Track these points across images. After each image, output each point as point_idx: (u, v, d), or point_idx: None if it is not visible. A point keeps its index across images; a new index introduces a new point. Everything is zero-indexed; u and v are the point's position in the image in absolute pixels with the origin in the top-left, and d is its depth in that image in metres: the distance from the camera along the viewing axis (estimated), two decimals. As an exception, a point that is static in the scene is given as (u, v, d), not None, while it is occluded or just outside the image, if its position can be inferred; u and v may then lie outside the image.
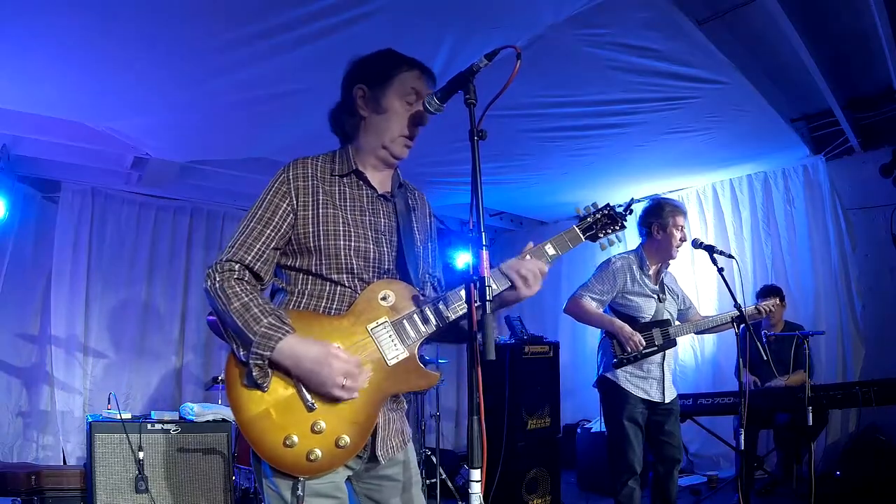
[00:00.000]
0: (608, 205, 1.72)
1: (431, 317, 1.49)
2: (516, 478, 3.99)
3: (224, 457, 3.63)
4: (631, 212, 1.80)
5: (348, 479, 1.50)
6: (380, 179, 1.62)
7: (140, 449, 3.41)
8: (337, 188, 1.54)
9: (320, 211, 1.49)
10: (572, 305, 3.22)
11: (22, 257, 4.64)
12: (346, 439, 1.38)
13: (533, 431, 4.14)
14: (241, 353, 1.38)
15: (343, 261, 1.48)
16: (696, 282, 5.43)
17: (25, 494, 3.55)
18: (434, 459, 4.26)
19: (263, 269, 1.47)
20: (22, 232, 4.63)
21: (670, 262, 3.23)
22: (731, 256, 3.13)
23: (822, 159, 4.89)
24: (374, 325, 1.46)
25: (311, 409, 1.37)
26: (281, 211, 1.48)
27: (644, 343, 3.04)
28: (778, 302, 3.48)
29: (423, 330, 1.48)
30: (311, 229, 1.48)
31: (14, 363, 4.58)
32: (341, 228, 1.49)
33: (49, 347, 4.59)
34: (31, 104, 3.54)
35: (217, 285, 1.41)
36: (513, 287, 1.50)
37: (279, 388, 1.38)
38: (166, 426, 3.54)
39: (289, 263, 1.52)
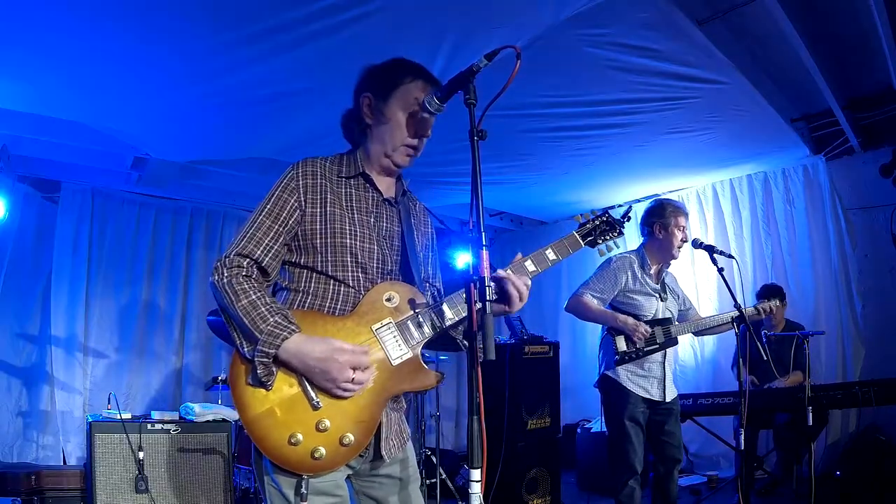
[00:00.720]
0: (606, 212, 1.76)
1: (435, 318, 1.50)
2: (516, 478, 3.99)
3: (224, 457, 3.63)
4: (629, 219, 1.85)
5: (347, 477, 1.50)
6: (385, 185, 1.64)
7: (140, 449, 3.41)
8: (344, 189, 1.56)
9: (327, 210, 1.51)
10: (574, 303, 3.23)
11: (22, 257, 4.64)
12: (351, 438, 1.39)
13: (533, 431, 4.14)
14: (247, 349, 1.38)
15: (348, 260, 1.49)
16: (696, 282, 5.44)
17: (25, 494, 3.55)
18: (434, 459, 4.26)
19: (272, 264, 1.48)
20: (22, 232, 4.63)
21: (671, 262, 3.24)
22: (731, 256, 3.14)
23: (822, 159, 4.89)
24: (378, 325, 1.47)
25: (316, 407, 1.38)
26: (289, 207, 1.49)
27: (650, 331, 3.06)
28: (778, 303, 3.47)
29: (427, 331, 1.50)
30: (317, 227, 1.49)
31: (14, 363, 4.57)
32: (347, 228, 1.51)
33: (49, 347, 4.59)
34: (31, 104, 3.54)
35: (225, 281, 1.41)
36: (505, 300, 1.49)
37: (284, 387, 1.39)
38: (166, 426, 3.54)
39: (293, 260, 1.53)
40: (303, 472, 1.37)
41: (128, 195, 5.12)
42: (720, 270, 3.02)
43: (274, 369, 1.37)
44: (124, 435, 3.40)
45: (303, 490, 1.36)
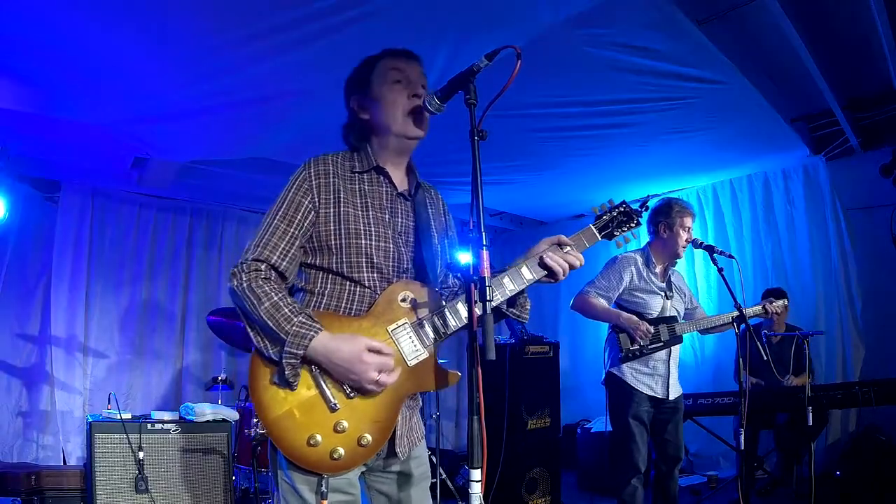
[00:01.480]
0: (624, 202, 1.73)
1: (450, 318, 1.50)
2: (516, 478, 3.99)
3: (224, 457, 3.63)
4: (647, 208, 1.81)
5: (360, 473, 1.51)
6: (399, 177, 1.63)
7: (140, 449, 3.41)
8: (357, 185, 1.55)
9: (341, 209, 1.50)
10: (579, 302, 3.27)
11: (22, 257, 4.64)
12: (368, 438, 1.41)
13: (533, 431, 4.14)
14: (272, 351, 1.39)
15: (364, 260, 1.49)
16: (696, 282, 5.44)
17: (25, 494, 3.55)
18: (434, 459, 4.26)
19: (289, 268, 1.48)
20: (22, 232, 4.63)
21: (679, 259, 3.26)
22: (731, 256, 3.14)
23: (822, 159, 4.89)
24: (394, 326, 1.47)
25: (334, 409, 1.40)
26: (304, 209, 1.49)
27: (652, 330, 3.08)
28: (787, 302, 3.46)
29: (442, 331, 1.49)
30: (332, 227, 1.49)
31: (14, 363, 4.57)
32: (362, 227, 1.50)
33: (49, 347, 4.59)
34: (31, 104, 3.53)
35: (245, 285, 1.41)
36: (550, 275, 1.55)
37: (302, 389, 1.40)
38: (166, 426, 3.54)
39: (308, 261, 1.52)
40: (322, 472, 1.38)
41: (128, 195, 5.12)
42: (720, 270, 3.03)
43: (300, 370, 1.39)
44: (124, 435, 3.40)
45: (323, 489, 1.37)
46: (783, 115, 4.25)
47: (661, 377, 3.12)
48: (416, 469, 1.57)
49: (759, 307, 3.23)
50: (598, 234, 1.67)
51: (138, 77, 3.12)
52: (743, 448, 3.00)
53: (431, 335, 1.49)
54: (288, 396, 1.39)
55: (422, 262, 1.58)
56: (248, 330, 1.44)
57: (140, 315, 5.12)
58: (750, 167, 5.24)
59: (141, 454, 3.40)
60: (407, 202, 1.62)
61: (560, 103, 3.72)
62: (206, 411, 3.69)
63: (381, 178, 1.59)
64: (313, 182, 1.50)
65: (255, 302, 1.39)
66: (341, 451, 1.38)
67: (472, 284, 1.29)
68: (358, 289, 1.49)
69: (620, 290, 3.21)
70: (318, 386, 1.40)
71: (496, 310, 1.57)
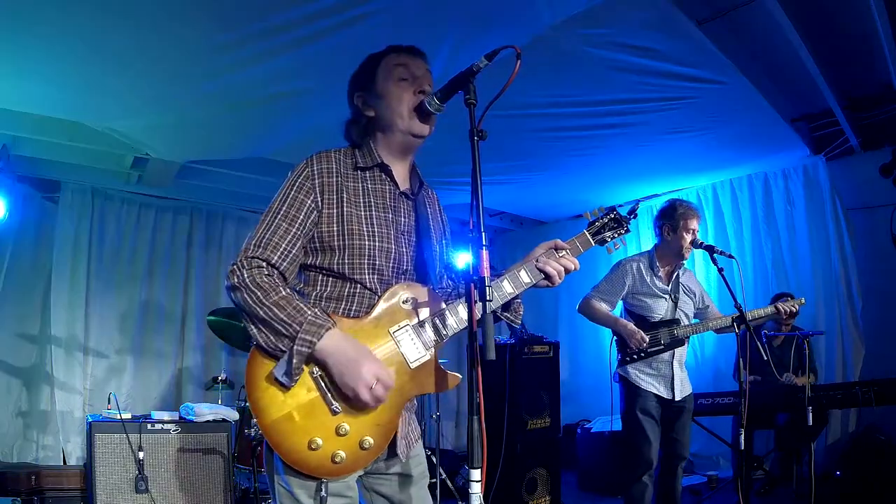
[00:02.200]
0: (614, 208, 1.75)
1: (451, 320, 1.49)
2: (516, 478, 3.99)
3: (224, 457, 3.63)
4: (635, 215, 1.83)
5: (358, 476, 1.50)
6: (402, 176, 1.62)
7: (140, 449, 3.41)
8: (360, 183, 1.53)
9: (345, 209, 1.48)
10: (584, 306, 3.35)
11: (22, 257, 4.64)
12: (370, 441, 1.40)
13: (533, 431, 4.14)
14: (282, 342, 1.34)
15: (366, 261, 1.47)
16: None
17: (25, 494, 3.56)
18: (434, 459, 4.26)
19: (290, 269, 1.45)
20: (22, 232, 4.63)
21: (683, 262, 3.26)
22: (731, 256, 3.14)
23: (822, 159, 4.89)
24: (395, 328, 1.46)
25: (335, 412, 1.38)
26: (306, 208, 1.46)
27: (647, 340, 3.11)
28: (802, 301, 3.43)
29: (444, 333, 1.49)
30: (335, 228, 1.47)
31: (14, 363, 4.58)
32: (365, 228, 1.48)
33: (49, 347, 4.59)
34: (31, 104, 3.54)
35: (249, 280, 1.37)
36: (547, 279, 1.57)
37: (302, 392, 1.37)
38: (166, 426, 3.54)
39: (309, 262, 1.50)
40: (322, 475, 1.36)
41: (128, 195, 5.12)
42: (720, 270, 3.03)
43: (303, 366, 1.36)
44: (124, 435, 3.40)
45: (323, 493, 1.36)
46: (783, 115, 4.25)
47: (664, 378, 3.16)
48: (415, 469, 1.56)
49: (771, 308, 3.21)
50: (591, 240, 1.70)
51: (138, 77, 3.12)
52: (743, 448, 3.00)
53: (433, 337, 1.48)
54: (287, 399, 1.36)
55: (422, 263, 1.58)
56: (249, 325, 1.38)
57: (140, 315, 5.11)
58: (750, 167, 5.23)
59: (141, 454, 3.40)
60: (409, 201, 1.61)
61: (560, 103, 3.72)
62: (206, 411, 3.69)
63: (385, 175, 1.57)
64: (316, 181, 1.48)
65: (261, 295, 1.35)
66: (343, 454, 1.36)
67: (472, 285, 1.28)
68: (358, 290, 1.48)
69: (623, 294, 3.27)
70: (319, 388, 1.38)
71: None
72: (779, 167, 5.14)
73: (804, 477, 3.93)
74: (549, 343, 4.47)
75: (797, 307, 3.22)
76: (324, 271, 1.49)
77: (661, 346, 3.14)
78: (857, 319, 4.67)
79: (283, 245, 1.43)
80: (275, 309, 1.34)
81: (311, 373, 1.38)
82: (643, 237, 5.91)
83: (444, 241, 1.72)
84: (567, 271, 1.59)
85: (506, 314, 1.65)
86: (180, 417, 3.67)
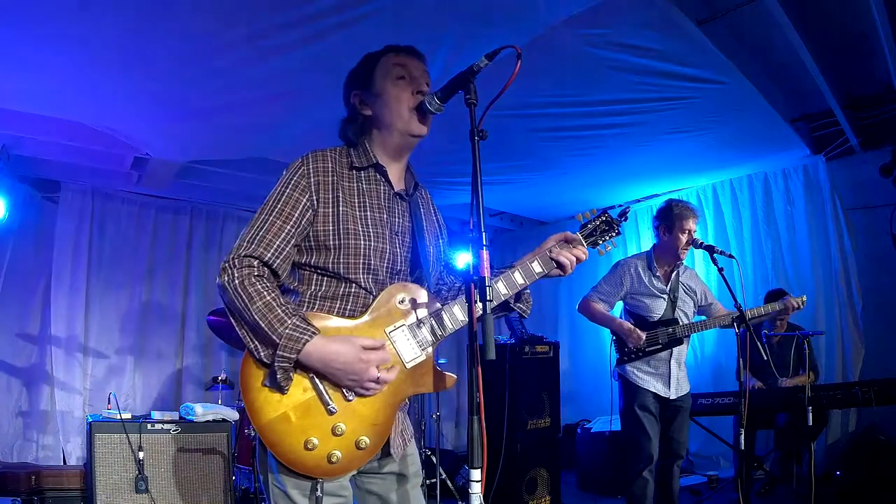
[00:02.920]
0: (605, 211, 1.76)
1: (447, 320, 1.50)
2: (516, 478, 3.99)
3: (224, 457, 3.63)
4: (626, 219, 1.85)
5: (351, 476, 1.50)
6: (397, 176, 1.61)
7: (140, 449, 3.41)
8: (355, 183, 1.53)
9: (340, 209, 1.47)
10: (583, 306, 3.39)
11: (22, 257, 4.65)
12: (366, 441, 1.40)
13: (533, 431, 4.14)
14: (263, 353, 1.35)
15: (361, 261, 1.47)
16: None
17: (25, 494, 3.56)
18: (434, 459, 4.26)
19: (282, 266, 1.44)
20: (22, 232, 4.64)
21: (680, 262, 3.26)
22: (731, 256, 3.14)
23: (822, 159, 4.89)
24: (391, 328, 1.46)
25: (331, 412, 1.37)
26: (301, 206, 1.45)
27: (643, 338, 3.14)
28: (804, 299, 3.45)
29: (440, 333, 1.49)
30: (330, 227, 1.46)
31: (14, 363, 4.58)
32: (360, 228, 1.48)
33: (49, 347, 4.59)
34: (31, 104, 3.53)
35: (237, 282, 1.36)
36: (560, 267, 1.61)
37: (297, 391, 1.37)
38: (166, 426, 3.54)
39: (303, 261, 1.49)
40: (318, 475, 1.36)
41: (128, 195, 5.13)
42: (720, 270, 3.03)
43: (292, 374, 1.35)
44: (124, 435, 3.41)
45: (318, 493, 1.36)
46: (783, 115, 4.25)
47: (662, 376, 3.19)
48: (409, 468, 1.57)
49: (780, 303, 3.22)
50: (584, 243, 1.70)
51: (138, 77, 3.12)
52: (743, 448, 3.01)
53: (429, 337, 1.48)
54: (283, 399, 1.36)
55: (417, 264, 1.58)
56: (238, 330, 1.39)
57: (140, 315, 5.12)
58: (750, 167, 5.23)
59: (141, 454, 3.40)
60: (404, 202, 1.61)
61: (560, 103, 3.72)
62: (206, 411, 3.69)
63: (380, 176, 1.57)
64: (312, 179, 1.47)
65: (247, 301, 1.34)
66: (339, 454, 1.36)
67: (472, 284, 1.28)
68: (353, 289, 1.48)
69: (622, 295, 3.31)
70: (315, 388, 1.38)
71: (503, 304, 1.60)
72: (779, 167, 5.14)
73: (804, 477, 3.93)
74: (549, 343, 4.47)
75: (795, 304, 3.25)
76: (318, 270, 1.49)
77: (659, 346, 3.17)
78: (857, 319, 4.67)
79: (277, 242, 1.42)
80: (256, 317, 1.33)
81: (307, 373, 1.38)
82: (643, 238, 5.91)
83: (439, 242, 1.72)
84: (579, 261, 1.63)
85: (518, 304, 1.68)
86: (180, 417, 3.67)
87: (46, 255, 4.72)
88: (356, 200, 1.51)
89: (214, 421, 3.68)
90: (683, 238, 3.17)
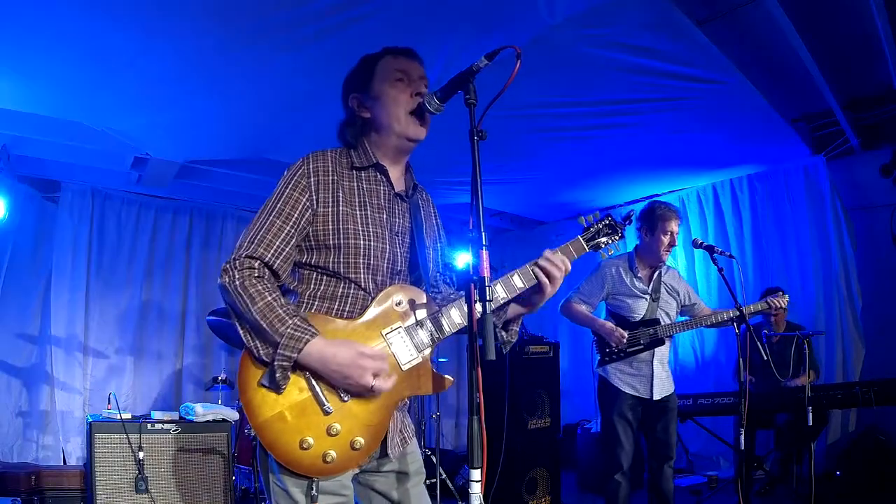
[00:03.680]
0: (609, 214, 1.76)
1: (444, 322, 1.49)
2: (516, 478, 3.99)
3: (224, 457, 3.63)
4: (630, 222, 1.85)
5: (354, 475, 1.50)
6: (397, 176, 1.62)
7: (140, 449, 3.41)
8: (356, 183, 1.53)
9: (340, 208, 1.48)
10: (564, 307, 3.42)
11: (22, 257, 4.65)
12: (361, 441, 1.40)
13: (533, 431, 4.14)
14: (263, 352, 1.36)
15: (361, 261, 1.47)
16: (696, 282, 5.44)
17: (25, 494, 3.56)
18: (434, 459, 4.26)
19: (283, 267, 1.45)
20: (22, 232, 4.64)
21: (661, 264, 3.26)
22: (731, 256, 3.15)
23: (822, 159, 4.89)
24: (388, 330, 1.46)
25: (327, 412, 1.38)
26: (301, 206, 1.46)
27: (626, 337, 3.14)
28: (788, 300, 3.46)
29: (437, 335, 1.49)
30: (330, 227, 1.47)
31: (14, 363, 4.58)
32: (360, 228, 1.48)
33: (49, 347, 4.59)
34: (31, 104, 3.54)
35: (237, 283, 1.37)
36: (538, 288, 1.53)
37: (294, 391, 1.38)
38: (166, 426, 3.54)
39: (303, 260, 1.50)
40: (314, 475, 1.37)
41: (128, 195, 5.13)
42: (720, 270, 3.04)
43: (290, 374, 1.36)
44: (124, 435, 3.41)
45: (313, 492, 1.36)
46: (783, 115, 4.25)
47: (644, 377, 3.17)
48: (411, 466, 1.57)
49: (763, 303, 3.23)
50: (586, 246, 1.69)
51: (138, 77, 3.12)
52: (743, 448, 3.01)
53: (426, 339, 1.48)
54: (279, 399, 1.36)
55: (416, 265, 1.58)
56: (239, 329, 1.40)
57: (140, 315, 5.12)
58: (750, 167, 5.23)
59: (141, 454, 3.40)
60: (404, 203, 1.61)
61: (560, 103, 3.72)
62: (206, 411, 3.69)
63: (381, 176, 1.58)
64: (311, 179, 1.48)
65: (248, 301, 1.35)
66: (333, 454, 1.37)
67: (472, 284, 1.28)
68: (352, 290, 1.48)
69: (603, 296, 3.31)
70: (311, 388, 1.38)
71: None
72: (779, 167, 5.14)
73: (804, 477, 3.93)
74: (549, 343, 4.47)
75: (784, 302, 3.25)
76: (318, 270, 1.49)
77: (641, 346, 3.16)
78: (857, 319, 4.68)
79: (277, 243, 1.43)
80: (258, 317, 1.34)
81: (304, 373, 1.38)
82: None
83: (438, 244, 1.72)
84: (556, 272, 1.54)
85: (502, 333, 1.64)
86: (180, 417, 3.67)
87: (46, 255, 4.72)
88: (356, 200, 1.51)
89: (214, 421, 3.68)
90: (665, 240, 3.16)
